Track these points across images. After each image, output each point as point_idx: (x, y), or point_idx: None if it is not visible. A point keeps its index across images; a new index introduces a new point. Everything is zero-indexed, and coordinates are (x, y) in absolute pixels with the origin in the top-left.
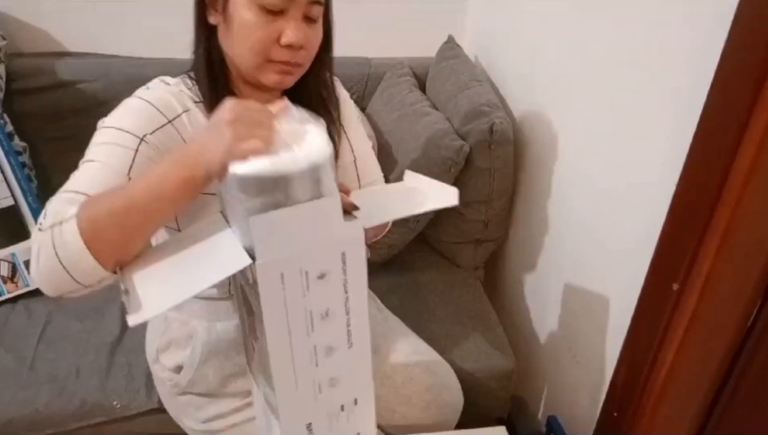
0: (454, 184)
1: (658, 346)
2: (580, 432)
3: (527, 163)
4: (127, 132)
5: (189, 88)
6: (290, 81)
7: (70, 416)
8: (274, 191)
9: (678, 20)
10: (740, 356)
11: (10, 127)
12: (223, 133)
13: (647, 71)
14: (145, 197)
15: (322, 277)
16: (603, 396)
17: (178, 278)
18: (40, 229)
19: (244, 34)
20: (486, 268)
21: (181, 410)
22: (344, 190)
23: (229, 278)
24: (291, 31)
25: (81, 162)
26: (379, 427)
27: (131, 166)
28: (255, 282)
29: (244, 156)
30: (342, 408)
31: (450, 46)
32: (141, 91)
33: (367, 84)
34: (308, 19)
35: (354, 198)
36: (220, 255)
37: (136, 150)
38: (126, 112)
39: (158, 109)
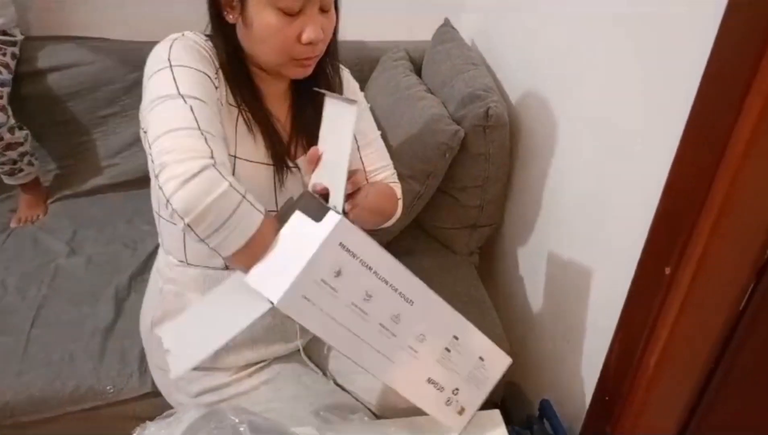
0: (450, 168)
1: (650, 330)
2: (573, 415)
3: (523, 147)
4: (200, 71)
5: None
6: (310, 70)
7: (64, 400)
8: None
9: (676, 3)
10: (732, 340)
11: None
12: None
13: (645, 55)
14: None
15: (338, 274)
16: (595, 380)
17: (205, 331)
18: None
19: (265, 37)
20: (481, 253)
21: (172, 384)
22: (355, 181)
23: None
24: (311, 28)
25: (166, 97)
26: (371, 410)
27: (219, 99)
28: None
29: None
30: (447, 350)
31: (446, 29)
32: (182, 39)
33: (362, 68)
34: (322, 10)
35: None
36: (241, 305)
37: (215, 86)
38: (182, 50)
39: (207, 56)
